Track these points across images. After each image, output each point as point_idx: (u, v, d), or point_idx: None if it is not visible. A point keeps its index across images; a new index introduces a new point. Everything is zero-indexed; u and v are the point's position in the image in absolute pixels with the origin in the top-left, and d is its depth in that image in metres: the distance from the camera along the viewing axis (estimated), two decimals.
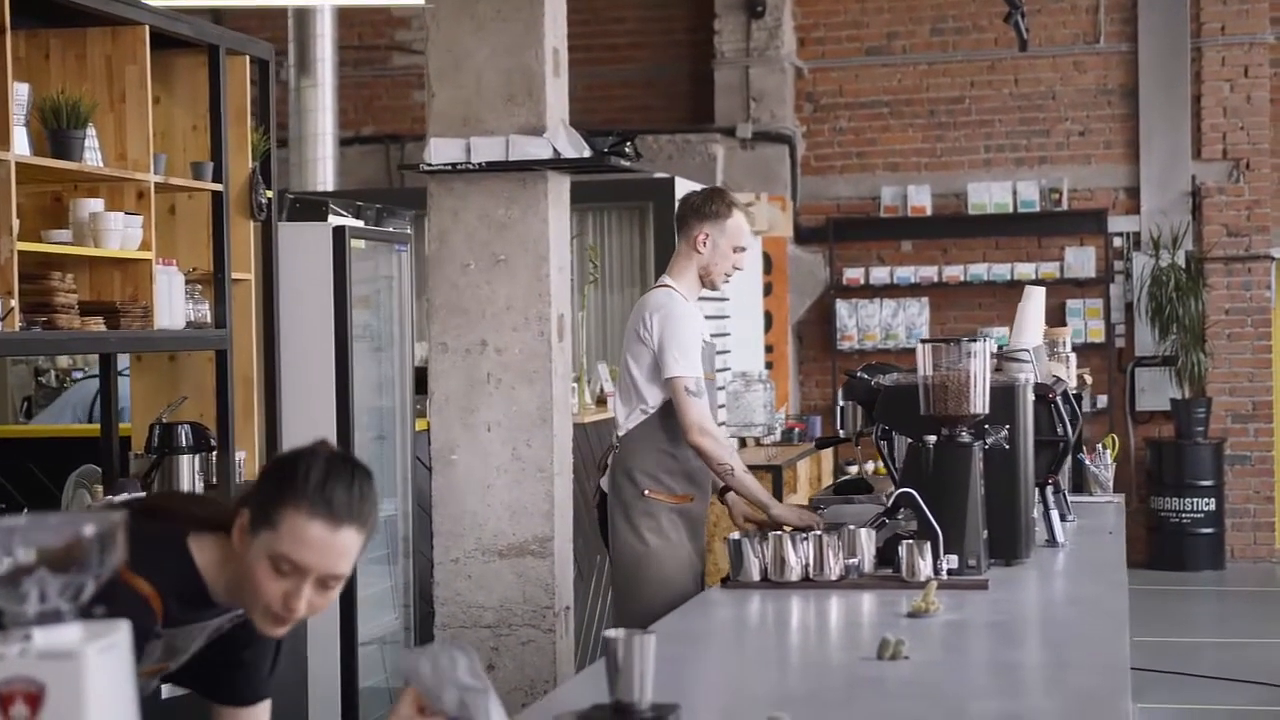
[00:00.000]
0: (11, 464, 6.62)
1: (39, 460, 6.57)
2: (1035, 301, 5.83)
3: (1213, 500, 12.54)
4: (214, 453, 5.88)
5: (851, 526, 4.46)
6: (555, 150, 5.65)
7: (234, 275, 6.01)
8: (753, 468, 9.40)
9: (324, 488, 2.70)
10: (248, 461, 6.14)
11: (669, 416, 5.35)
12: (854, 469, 10.25)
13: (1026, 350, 5.38)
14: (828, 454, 11.16)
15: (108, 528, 1.85)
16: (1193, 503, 12.51)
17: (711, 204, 5.51)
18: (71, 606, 1.85)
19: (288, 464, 2.76)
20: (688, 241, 5.48)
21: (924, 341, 4.57)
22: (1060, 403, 5.21)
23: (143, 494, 5.37)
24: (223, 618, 2.92)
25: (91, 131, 5.22)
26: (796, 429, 11.23)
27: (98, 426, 6.18)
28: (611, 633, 2.79)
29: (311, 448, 2.79)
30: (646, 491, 5.40)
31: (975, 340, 4.52)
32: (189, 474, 5.65)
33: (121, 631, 1.87)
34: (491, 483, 5.78)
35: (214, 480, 5.89)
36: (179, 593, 2.79)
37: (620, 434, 5.52)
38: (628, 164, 5.90)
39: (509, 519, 5.77)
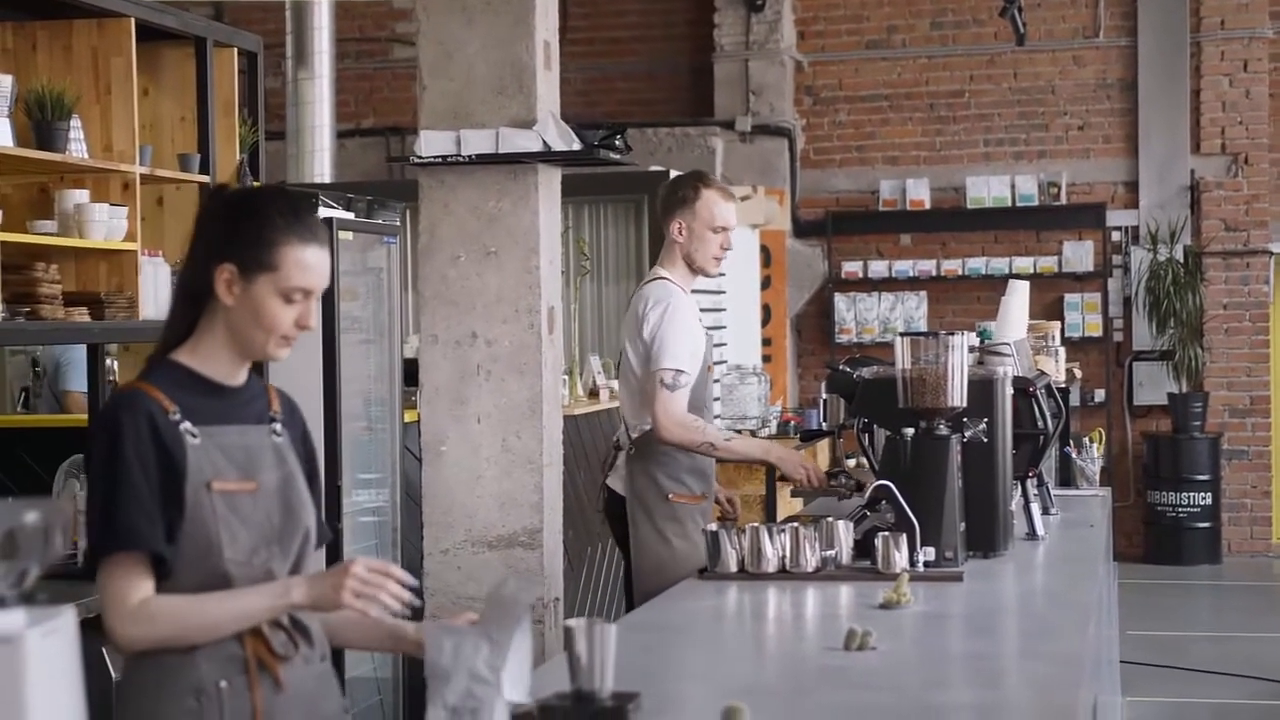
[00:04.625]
0: (6, 453, 6.64)
1: (32, 449, 6.58)
2: (1019, 295, 5.84)
3: (1209, 494, 12.54)
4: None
5: (830, 518, 4.48)
6: (545, 143, 5.65)
7: None
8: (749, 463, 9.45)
9: (298, 217, 2.96)
10: None
11: None
12: (851, 462, 10.23)
13: (1007, 343, 5.38)
14: (825, 447, 11.16)
15: (50, 517, 1.88)
16: (1190, 497, 12.52)
17: (678, 191, 5.50)
18: (14, 593, 1.87)
19: (255, 210, 2.96)
20: (667, 233, 5.49)
21: (902, 334, 4.58)
22: (1042, 396, 5.20)
23: None
24: (253, 410, 3.06)
25: (76, 123, 5.24)
26: (793, 422, 11.21)
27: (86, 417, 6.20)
28: (572, 622, 2.81)
29: (258, 191, 3.05)
30: (671, 495, 5.38)
31: (953, 334, 4.53)
32: None
33: (65, 617, 1.89)
34: (481, 474, 5.79)
35: None
36: (178, 384, 3.00)
37: (634, 435, 5.47)
38: (617, 157, 5.90)
39: (498, 510, 5.78)
